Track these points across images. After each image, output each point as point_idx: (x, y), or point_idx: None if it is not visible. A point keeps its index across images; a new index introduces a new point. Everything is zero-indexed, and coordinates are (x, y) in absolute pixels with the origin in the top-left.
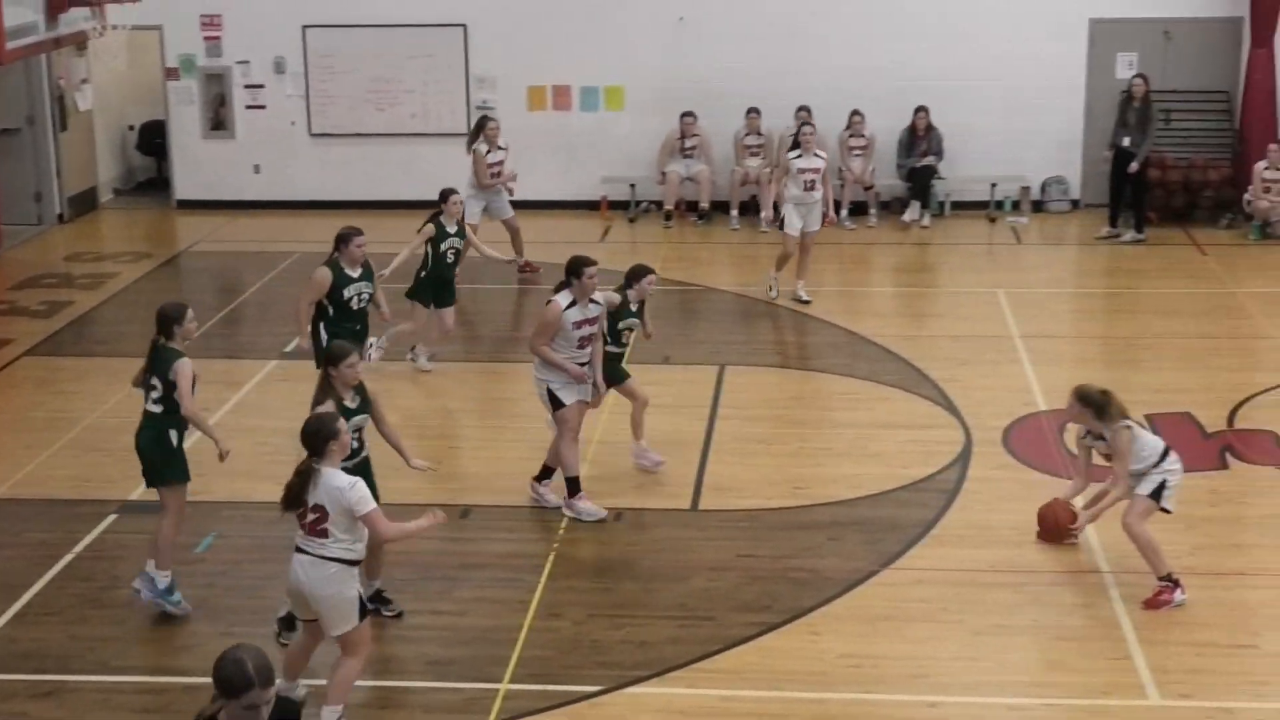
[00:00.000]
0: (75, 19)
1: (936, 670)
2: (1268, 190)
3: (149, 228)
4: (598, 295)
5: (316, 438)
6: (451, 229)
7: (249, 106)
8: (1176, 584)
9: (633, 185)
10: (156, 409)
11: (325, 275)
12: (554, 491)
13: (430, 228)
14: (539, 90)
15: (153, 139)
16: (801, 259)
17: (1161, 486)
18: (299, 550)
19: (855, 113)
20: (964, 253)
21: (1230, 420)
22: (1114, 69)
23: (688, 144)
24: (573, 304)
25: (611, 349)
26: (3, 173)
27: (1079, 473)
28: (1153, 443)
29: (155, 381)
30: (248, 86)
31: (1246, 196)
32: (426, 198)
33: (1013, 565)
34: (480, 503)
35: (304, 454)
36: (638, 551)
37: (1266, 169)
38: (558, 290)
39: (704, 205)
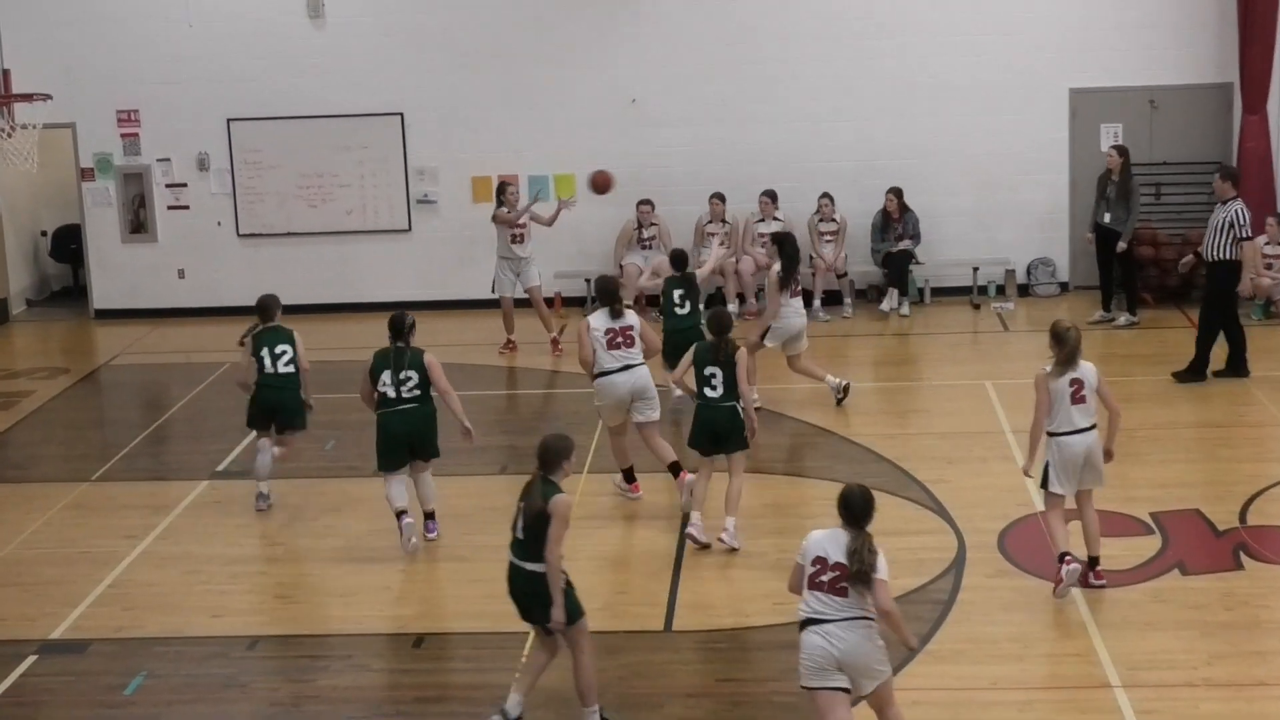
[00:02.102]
0: None
1: None
2: (1269, 267)
3: (65, 340)
4: None
5: (870, 507)
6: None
7: (171, 207)
8: (1064, 560)
9: (588, 280)
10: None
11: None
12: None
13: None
14: (484, 181)
15: (67, 245)
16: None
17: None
18: (811, 622)
19: (824, 196)
20: (947, 342)
21: (1243, 516)
22: (1098, 141)
23: (645, 234)
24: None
25: None
26: None
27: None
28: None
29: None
30: (169, 185)
31: (1247, 274)
32: (366, 300)
33: (1015, 681)
34: (434, 630)
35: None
36: (607, 678)
37: (1266, 244)
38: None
39: None
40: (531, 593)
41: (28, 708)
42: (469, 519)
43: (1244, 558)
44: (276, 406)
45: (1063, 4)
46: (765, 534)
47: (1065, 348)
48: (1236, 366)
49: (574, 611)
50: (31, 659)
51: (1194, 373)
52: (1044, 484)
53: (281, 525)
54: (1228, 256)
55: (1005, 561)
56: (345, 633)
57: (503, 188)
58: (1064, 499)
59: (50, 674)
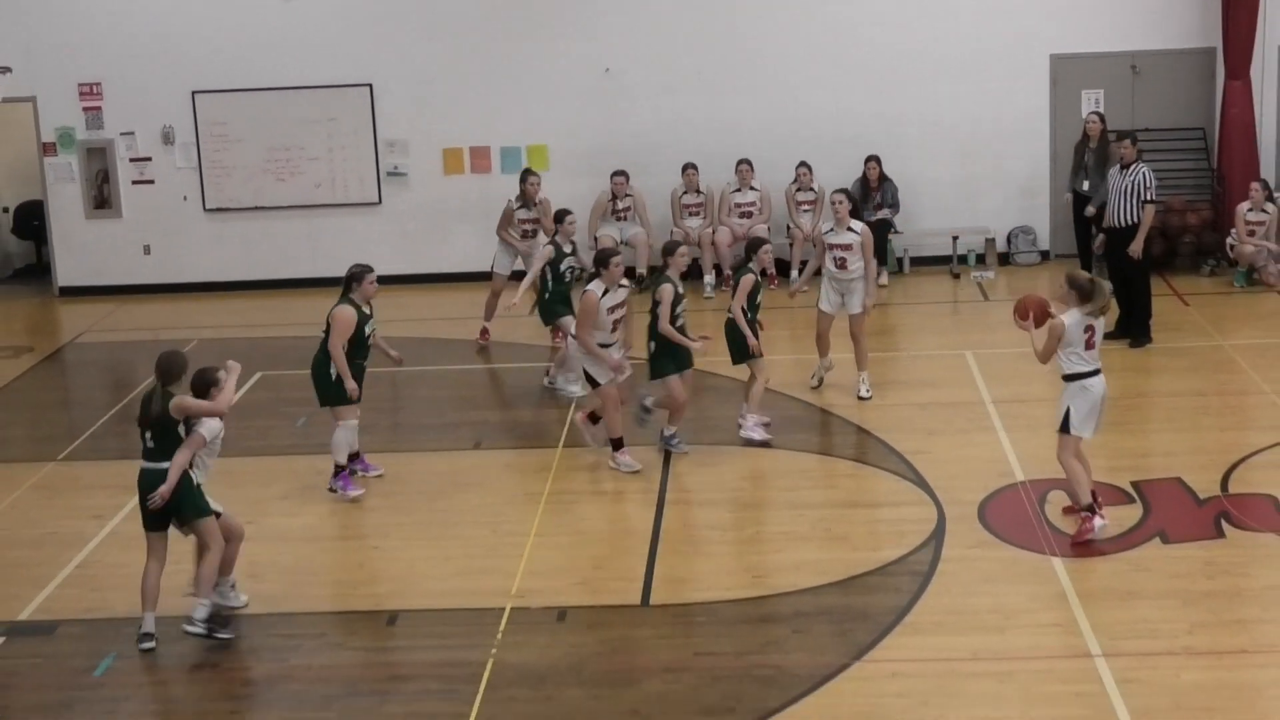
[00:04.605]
0: None
1: None
2: (1252, 234)
3: (29, 319)
4: (624, 280)
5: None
6: (568, 249)
7: (136, 182)
8: (1095, 512)
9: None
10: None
11: (350, 313)
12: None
13: (549, 250)
14: (455, 152)
15: (30, 221)
16: (856, 349)
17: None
18: None
19: (802, 165)
20: (927, 312)
21: (1224, 484)
22: (1079, 108)
23: (620, 205)
24: (606, 292)
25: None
26: None
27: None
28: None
29: None
30: (133, 160)
31: (1229, 241)
32: (336, 274)
33: (996, 652)
34: (408, 607)
35: None
36: (584, 654)
37: (1250, 210)
38: (589, 281)
39: (641, 271)
40: None
41: None
42: (442, 495)
43: (1225, 526)
44: None
45: None
46: (742, 507)
47: (1091, 298)
48: (1136, 332)
49: None
50: None
51: (1144, 333)
52: (1064, 428)
53: (251, 503)
54: (1138, 220)
55: (985, 532)
56: (318, 610)
57: (524, 175)
58: (1080, 441)
59: (18, 656)
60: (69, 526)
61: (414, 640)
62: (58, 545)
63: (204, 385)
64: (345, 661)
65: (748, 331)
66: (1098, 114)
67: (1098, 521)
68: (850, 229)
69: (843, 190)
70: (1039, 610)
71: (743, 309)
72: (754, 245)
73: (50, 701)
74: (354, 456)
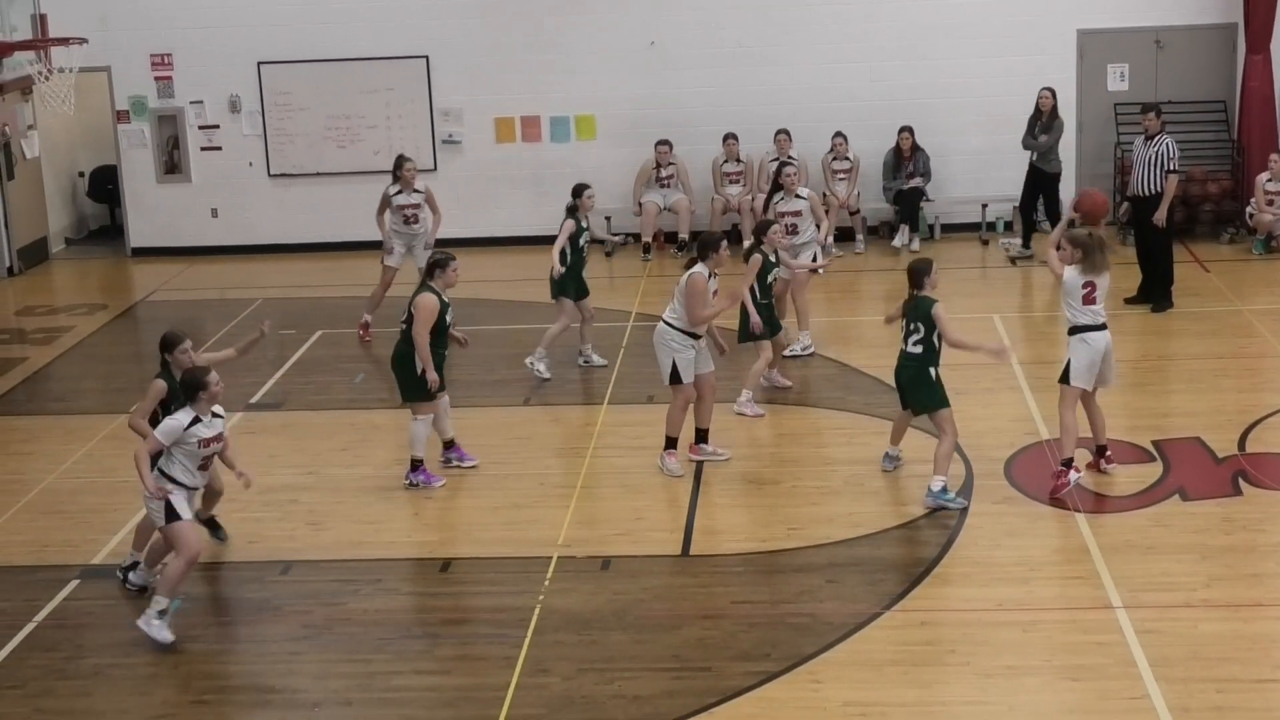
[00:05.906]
0: (19, 63)
1: (945, 716)
2: (1271, 203)
3: (103, 278)
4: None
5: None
6: (585, 224)
7: (204, 148)
8: (1070, 466)
9: (608, 217)
10: (917, 350)
11: (434, 301)
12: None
13: (571, 224)
14: (507, 121)
15: (104, 185)
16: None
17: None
18: None
19: (838, 135)
20: (957, 277)
21: (1242, 444)
22: (1105, 81)
23: (664, 173)
24: (711, 275)
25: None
26: None
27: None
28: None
29: (918, 326)
30: (202, 127)
31: (1249, 209)
32: None
33: (1020, 603)
34: (460, 555)
35: None
36: (627, 601)
37: (1269, 180)
38: (690, 265)
39: (683, 236)
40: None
41: (70, 630)
42: (493, 449)
43: (1242, 484)
44: (910, 387)
45: None
46: (779, 463)
47: (1091, 256)
48: (1157, 297)
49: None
50: (74, 583)
51: (1165, 298)
52: (1065, 379)
53: (312, 455)
54: (1161, 189)
55: (1011, 488)
56: (374, 558)
57: (399, 162)
58: (1080, 394)
59: (91, 598)
60: None
61: (465, 586)
62: (129, 493)
63: (191, 387)
64: (400, 606)
65: (752, 311)
66: (1049, 90)
67: (1072, 475)
68: (798, 196)
69: (790, 161)
70: (1062, 563)
71: (752, 289)
72: (763, 226)
73: (122, 640)
74: (449, 444)
